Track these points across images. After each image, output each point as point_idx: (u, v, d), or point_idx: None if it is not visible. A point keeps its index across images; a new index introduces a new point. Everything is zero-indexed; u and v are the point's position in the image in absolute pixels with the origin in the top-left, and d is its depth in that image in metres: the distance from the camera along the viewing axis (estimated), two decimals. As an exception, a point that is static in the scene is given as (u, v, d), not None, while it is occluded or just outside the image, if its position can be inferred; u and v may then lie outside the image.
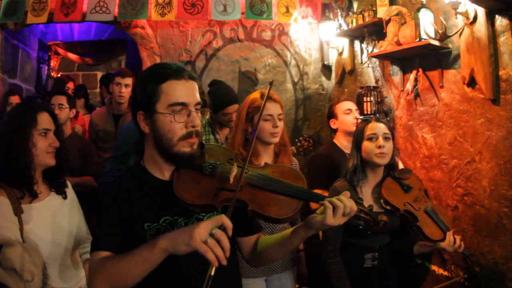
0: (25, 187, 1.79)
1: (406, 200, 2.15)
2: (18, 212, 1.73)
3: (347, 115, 3.03)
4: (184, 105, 1.34)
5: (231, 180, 1.34)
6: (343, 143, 3.01)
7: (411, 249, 2.21)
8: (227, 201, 1.31)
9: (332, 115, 3.11)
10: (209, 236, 1.13)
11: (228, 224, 1.16)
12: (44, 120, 1.87)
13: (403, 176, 2.23)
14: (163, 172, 1.41)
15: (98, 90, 6.72)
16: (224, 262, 1.12)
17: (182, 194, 1.32)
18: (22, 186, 1.78)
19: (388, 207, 2.14)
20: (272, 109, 2.28)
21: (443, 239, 2.07)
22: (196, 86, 1.39)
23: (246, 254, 1.54)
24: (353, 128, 2.91)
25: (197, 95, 1.38)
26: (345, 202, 1.28)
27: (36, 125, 1.83)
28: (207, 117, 3.04)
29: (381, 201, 2.16)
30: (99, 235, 1.39)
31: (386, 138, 2.21)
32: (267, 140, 2.29)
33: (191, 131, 1.34)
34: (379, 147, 2.17)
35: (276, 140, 2.30)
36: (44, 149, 1.84)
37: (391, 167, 2.27)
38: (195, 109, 1.36)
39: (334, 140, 3.08)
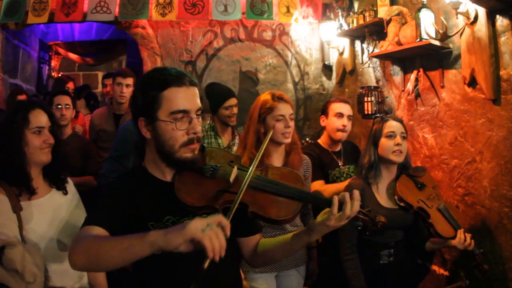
0: (22, 184, 1.79)
1: (419, 197, 2.22)
2: (17, 209, 1.73)
3: (336, 118, 2.86)
4: (185, 112, 1.35)
5: (231, 182, 1.36)
6: (327, 142, 2.95)
7: (424, 245, 2.26)
8: (228, 202, 1.33)
9: (324, 111, 2.97)
10: (206, 227, 1.08)
11: (226, 223, 1.12)
12: (37, 118, 1.85)
13: (417, 174, 2.31)
14: (165, 174, 1.43)
15: (99, 90, 6.72)
16: (221, 254, 1.07)
17: (184, 196, 1.34)
18: (18, 184, 1.79)
19: (402, 204, 2.21)
20: (284, 109, 2.33)
21: (454, 237, 2.11)
22: (197, 92, 1.40)
23: (247, 254, 1.55)
24: (336, 135, 2.86)
25: (198, 101, 1.39)
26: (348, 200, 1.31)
27: (28, 124, 1.82)
28: (208, 122, 3.07)
29: (395, 197, 2.23)
30: (95, 212, 1.36)
31: (403, 137, 2.28)
32: (279, 141, 2.32)
33: (192, 138, 1.36)
34: (397, 144, 2.24)
35: (288, 140, 2.34)
36: (37, 147, 1.82)
37: (404, 165, 2.33)
38: (196, 115, 1.37)
39: (318, 141, 3.03)
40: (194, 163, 1.37)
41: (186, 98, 1.35)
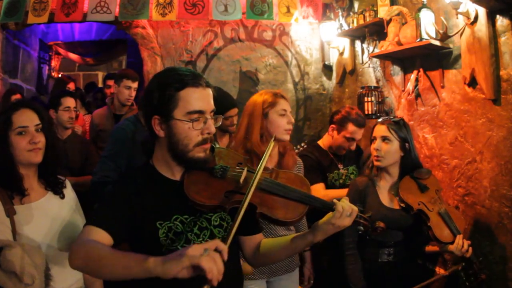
0: (12, 186, 1.75)
1: (421, 199, 2.22)
2: (10, 213, 1.69)
3: (347, 141, 2.86)
4: (201, 112, 1.38)
5: (241, 183, 1.40)
6: (328, 144, 2.98)
7: (423, 247, 2.28)
8: (236, 203, 1.37)
9: (339, 124, 2.88)
10: (204, 252, 1.07)
11: (223, 247, 1.10)
12: (20, 118, 1.79)
13: (421, 176, 2.30)
14: (174, 173, 1.44)
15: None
16: (219, 279, 1.06)
17: (193, 195, 1.37)
18: (9, 186, 1.75)
19: (403, 205, 2.22)
20: (286, 105, 2.31)
21: (452, 242, 2.10)
22: (211, 93, 1.44)
23: (248, 253, 1.56)
24: (339, 151, 2.92)
25: (212, 103, 1.43)
26: (347, 204, 1.40)
27: (11, 126, 1.77)
28: (220, 123, 3.05)
29: (397, 198, 2.24)
30: (100, 212, 1.37)
31: (384, 140, 2.26)
32: (280, 137, 2.26)
33: (206, 138, 1.39)
34: (376, 149, 2.27)
35: (288, 137, 2.31)
36: (23, 148, 1.77)
37: (412, 166, 2.30)
38: (210, 116, 1.41)
39: (318, 142, 3.05)
40: (206, 162, 1.41)
41: (202, 99, 1.39)
